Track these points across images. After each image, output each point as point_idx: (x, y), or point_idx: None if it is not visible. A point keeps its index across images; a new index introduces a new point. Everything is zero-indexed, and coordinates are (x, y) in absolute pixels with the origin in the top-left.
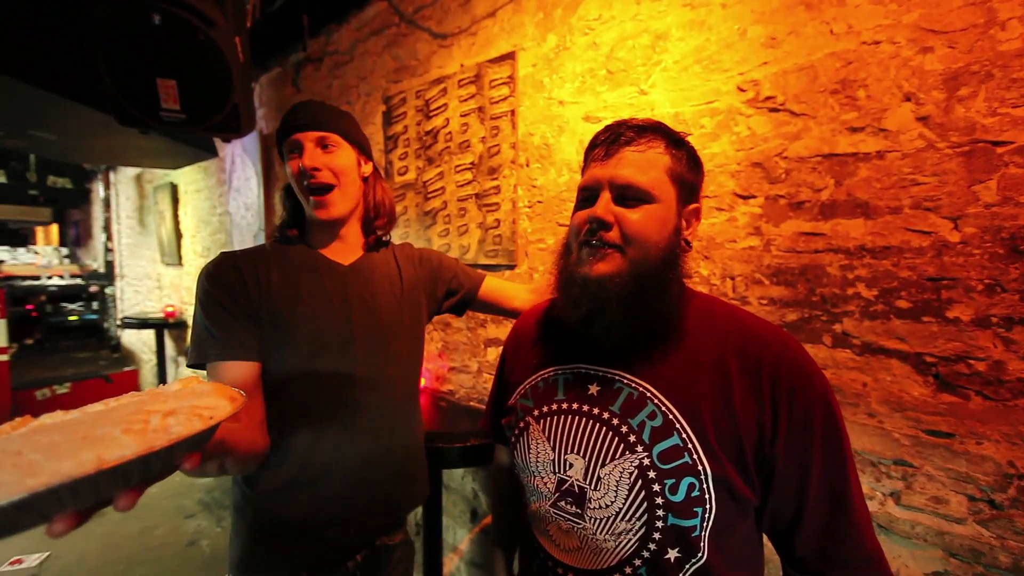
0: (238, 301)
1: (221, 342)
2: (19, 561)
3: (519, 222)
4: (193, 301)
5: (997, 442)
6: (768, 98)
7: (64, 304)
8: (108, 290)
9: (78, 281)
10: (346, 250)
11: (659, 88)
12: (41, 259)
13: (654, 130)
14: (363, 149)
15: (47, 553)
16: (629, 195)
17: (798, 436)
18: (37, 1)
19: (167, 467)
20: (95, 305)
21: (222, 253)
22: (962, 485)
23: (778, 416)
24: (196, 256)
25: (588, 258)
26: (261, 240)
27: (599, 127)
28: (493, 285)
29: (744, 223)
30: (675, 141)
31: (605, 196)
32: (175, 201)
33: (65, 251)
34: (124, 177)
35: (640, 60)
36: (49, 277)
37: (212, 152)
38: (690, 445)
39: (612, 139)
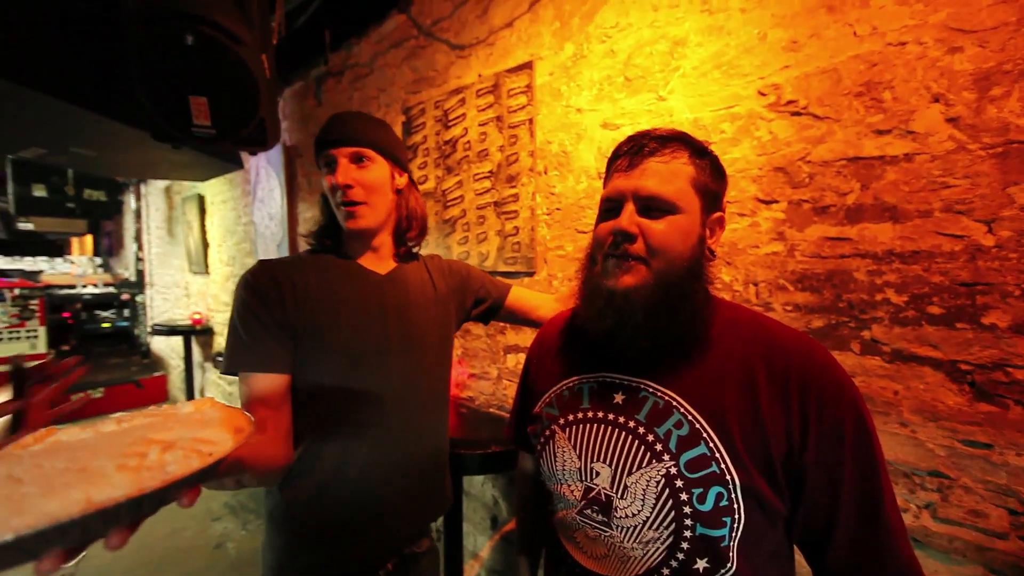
0: (273, 313)
1: (253, 353)
2: None
3: (538, 229)
4: (219, 308)
5: None
6: (790, 102)
7: (98, 312)
8: (139, 298)
9: (111, 289)
10: (380, 260)
11: (678, 94)
12: (77, 268)
13: (678, 140)
14: (397, 161)
15: (83, 554)
16: (653, 206)
17: (828, 446)
18: (78, 26)
19: (160, 504)
20: (126, 312)
21: (260, 262)
22: (1003, 498)
23: (807, 425)
24: (222, 265)
25: (613, 270)
26: (285, 248)
27: (617, 134)
28: (519, 295)
29: (767, 228)
30: (699, 151)
31: (629, 207)
32: (202, 211)
33: (99, 260)
34: (154, 189)
35: (658, 66)
36: (84, 286)
37: (238, 164)
38: (718, 455)
39: (635, 150)
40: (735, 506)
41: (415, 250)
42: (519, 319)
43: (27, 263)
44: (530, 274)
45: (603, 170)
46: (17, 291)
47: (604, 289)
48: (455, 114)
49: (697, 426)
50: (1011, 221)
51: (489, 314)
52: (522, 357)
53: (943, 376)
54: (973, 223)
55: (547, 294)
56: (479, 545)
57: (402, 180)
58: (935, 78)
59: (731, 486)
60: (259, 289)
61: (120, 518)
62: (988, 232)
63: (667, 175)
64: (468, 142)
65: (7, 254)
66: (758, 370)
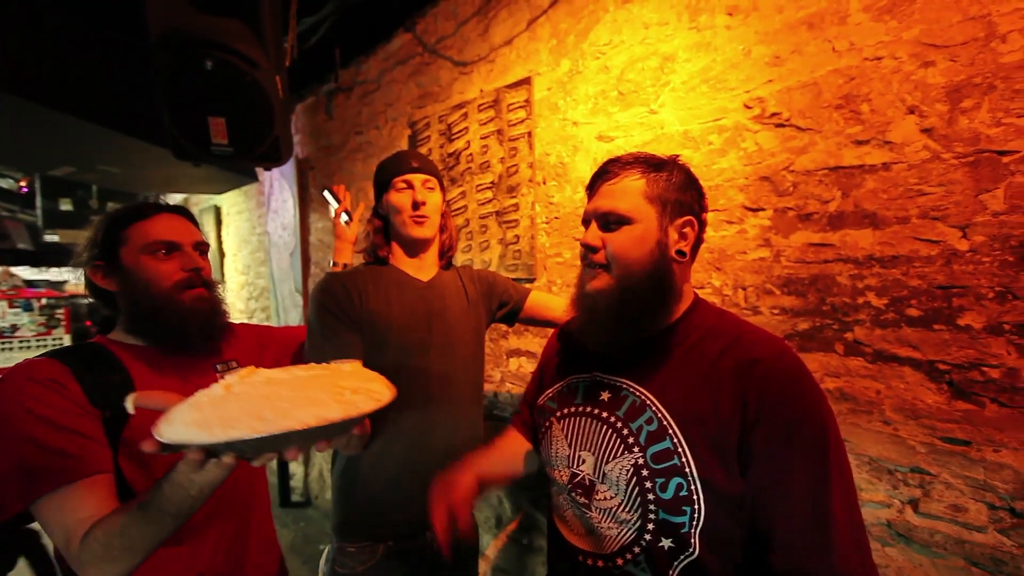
0: (345, 310)
1: (332, 344)
2: None
3: (537, 237)
4: (234, 316)
5: (1015, 449)
6: (774, 114)
7: None
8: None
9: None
10: (425, 269)
11: (668, 107)
12: None
13: (632, 162)
14: (444, 190)
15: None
16: (610, 220)
17: (778, 446)
18: (106, 53)
19: (348, 430)
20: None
21: (328, 274)
22: (981, 493)
23: (758, 422)
24: (237, 273)
25: (584, 277)
26: (297, 257)
27: (612, 146)
28: (536, 299)
29: (754, 235)
30: (655, 166)
31: (593, 225)
32: (218, 223)
33: None
34: (172, 201)
35: (649, 81)
36: None
37: (253, 177)
38: (680, 449)
39: (597, 176)
40: (694, 496)
41: (452, 261)
42: (537, 321)
43: (53, 274)
44: (530, 280)
45: None
46: (44, 301)
47: (579, 294)
48: (458, 128)
49: (665, 423)
50: (984, 227)
51: (511, 316)
52: (524, 361)
53: (922, 376)
54: (948, 229)
55: (562, 298)
56: (485, 544)
57: (444, 204)
58: (909, 91)
59: (690, 478)
60: (332, 292)
61: (332, 433)
62: (962, 237)
63: (618, 193)
64: (471, 154)
65: (34, 265)
66: (726, 374)
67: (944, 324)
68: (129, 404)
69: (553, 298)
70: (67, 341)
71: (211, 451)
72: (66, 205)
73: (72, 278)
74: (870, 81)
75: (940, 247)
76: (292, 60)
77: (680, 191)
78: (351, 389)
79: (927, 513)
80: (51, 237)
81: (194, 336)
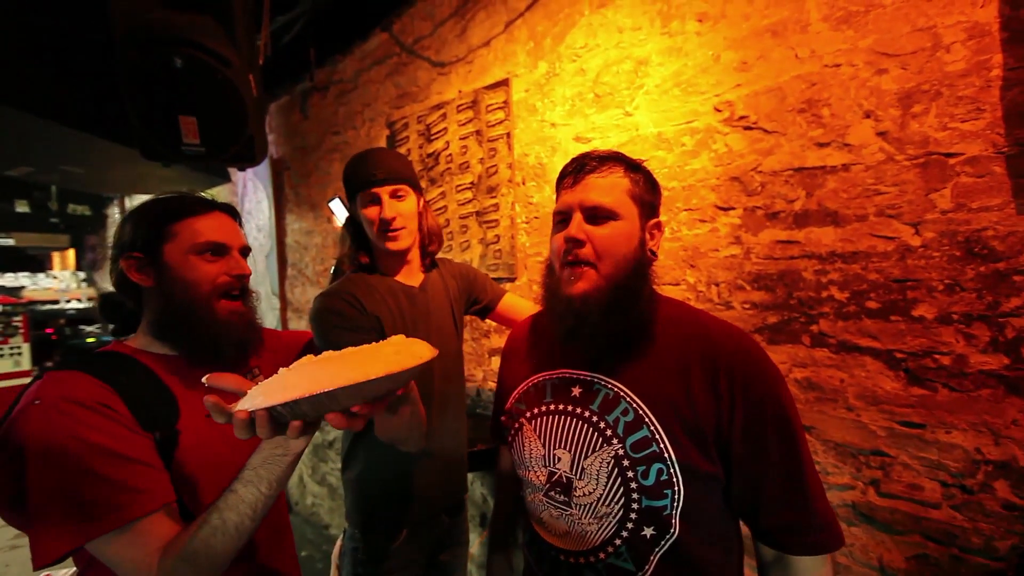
0: (358, 323)
1: None
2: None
3: (517, 237)
4: None
5: (964, 431)
6: (742, 117)
7: (82, 327)
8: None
9: (95, 304)
10: (411, 273)
11: (642, 110)
12: (60, 283)
13: (613, 159)
14: (418, 189)
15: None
16: (597, 215)
17: (753, 423)
18: (68, 48)
19: (396, 386)
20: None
21: (320, 295)
22: (935, 472)
23: (734, 405)
24: None
25: (569, 279)
26: (273, 259)
27: (589, 147)
28: (508, 301)
29: (725, 233)
30: (632, 167)
31: (577, 217)
32: None
33: (83, 275)
34: (139, 202)
35: (624, 84)
36: (67, 301)
37: (225, 178)
38: (657, 436)
39: (578, 169)
40: (674, 480)
41: (436, 259)
42: (505, 322)
43: (8, 279)
44: (511, 279)
45: None
46: (0, 308)
47: (563, 296)
48: (437, 128)
49: (640, 412)
50: (934, 224)
51: (484, 311)
52: None
53: (882, 364)
54: (902, 226)
55: (531, 302)
56: (470, 542)
57: (421, 203)
58: (866, 96)
59: (669, 462)
60: (338, 310)
61: (379, 390)
62: (915, 234)
63: (607, 187)
64: (450, 155)
65: None
66: (693, 361)
67: (900, 315)
68: (204, 379)
69: (523, 302)
70: (26, 350)
71: (277, 418)
72: (23, 207)
73: (30, 284)
74: (830, 87)
75: (895, 243)
76: (265, 58)
77: (651, 194)
78: (394, 351)
79: (887, 493)
80: (5, 241)
81: (229, 350)
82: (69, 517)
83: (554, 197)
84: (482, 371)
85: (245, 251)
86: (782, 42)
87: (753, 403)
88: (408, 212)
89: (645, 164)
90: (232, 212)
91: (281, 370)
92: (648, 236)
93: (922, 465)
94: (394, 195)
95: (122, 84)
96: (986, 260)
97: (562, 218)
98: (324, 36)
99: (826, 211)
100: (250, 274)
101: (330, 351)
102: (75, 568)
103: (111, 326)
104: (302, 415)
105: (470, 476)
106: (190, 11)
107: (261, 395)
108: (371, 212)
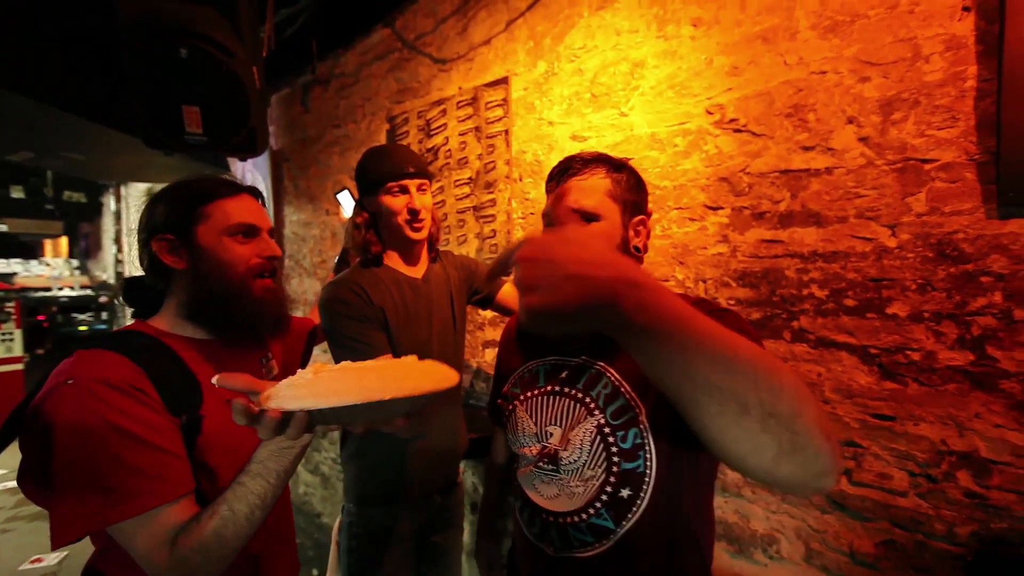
0: (365, 313)
1: (365, 345)
2: (39, 560)
3: (514, 232)
4: None
5: (931, 423)
6: (732, 120)
7: (74, 315)
8: (117, 300)
9: (88, 292)
10: (418, 264)
11: (637, 110)
12: (52, 271)
13: (596, 160)
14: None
15: (66, 552)
16: (581, 216)
17: None
18: (73, 36)
19: (420, 406)
20: (104, 316)
21: (331, 284)
22: (903, 462)
23: None
24: None
25: None
26: None
27: (584, 145)
28: (508, 292)
29: (713, 232)
30: (616, 167)
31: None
32: None
33: (75, 263)
34: (135, 191)
35: (620, 85)
36: (60, 288)
37: (224, 168)
38: (633, 403)
39: (561, 173)
40: (647, 442)
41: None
42: (506, 311)
43: (1, 265)
44: (507, 273)
45: None
46: None
47: None
48: (437, 124)
49: (618, 384)
50: (909, 226)
51: (483, 303)
52: None
53: (857, 359)
54: (880, 228)
55: None
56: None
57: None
58: (849, 103)
59: (643, 426)
60: (346, 300)
61: (418, 404)
62: (891, 235)
63: (587, 190)
64: (449, 150)
65: None
66: None
67: (875, 313)
68: (215, 380)
69: None
70: (18, 336)
71: (316, 418)
72: (18, 192)
73: (22, 270)
74: (816, 93)
75: (873, 244)
76: (269, 51)
77: (635, 192)
78: (426, 370)
79: (859, 482)
80: None
81: (266, 328)
82: (91, 500)
83: None
84: (476, 362)
85: (272, 232)
86: (772, 48)
87: None
88: (429, 204)
89: (630, 163)
90: (258, 194)
91: (306, 371)
92: (632, 233)
93: (892, 456)
94: (420, 188)
95: (127, 73)
96: (956, 262)
97: (546, 221)
98: (326, 30)
99: (809, 212)
100: (281, 255)
101: (367, 362)
102: (67, 552)
103: (131, 309)
104: (336, 420)
105: (462, 464)
106: (196, 3)
107: (294, 394)
108: (399, 202)
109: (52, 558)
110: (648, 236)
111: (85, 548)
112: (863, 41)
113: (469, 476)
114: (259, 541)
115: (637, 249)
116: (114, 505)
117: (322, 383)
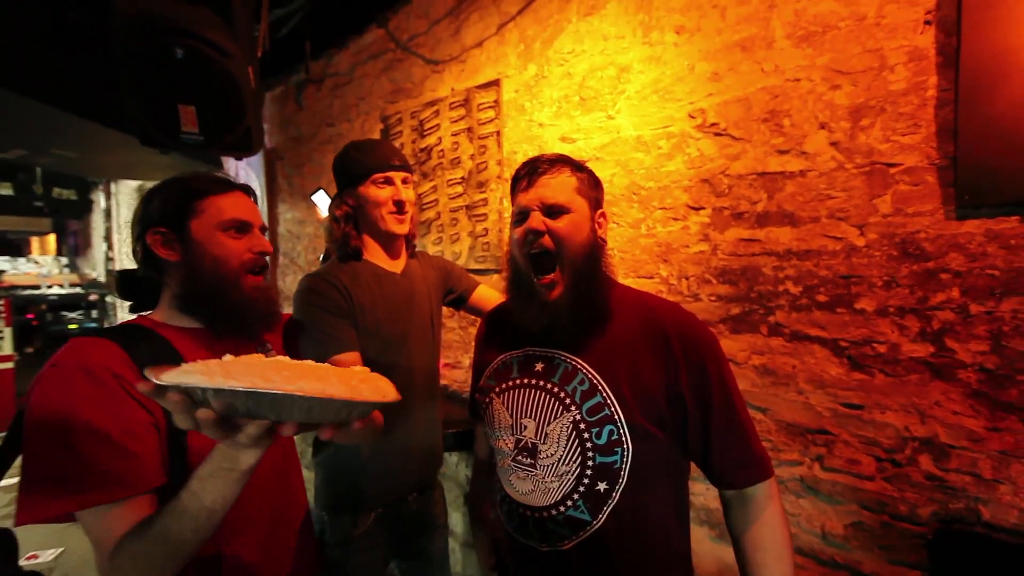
0: (339, 306)
1: (334, 339)
2: (35, 556)
3: (505, 230)
4: None
5: (896, 411)
6: (713, 124)
7: (64, 313)
8: (108, 298)
9: (77, 290)
10: (398, 259)
11: (624, 114)
12: (41, 268)
13: (561, 161)
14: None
15: (62, 549)
16: (553, 210)
17: (696, 376)
18: (65, 32)
19: (352, 416)
20: (94, 314)
21: (306, 276)
22: (870, 448)
23: (679, 365)
24: None
25: (541, 291)
26: None
27: (573, 147)
28: (481, 292)
29: (695, 231)
30: (577, 167)
31: (535, 213)
32: None
33: (65, 260)
34: (125, 188)
35: (608, 89)
36: (49, 286)
37: (218, 165)
38: (609, 401)
39: (532, 171)
40: (623, 439)
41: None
42: (478, 312)
43: None
44: (499, 271)
45: None
46: None
47: (539, 301)
48: (430, 124)
49: (594, 381)
50: (876, 226)
51: (457, 303)
52: None
53: (828, 352)
54: (849, 228)
55: (500, 294)
56: (454, 521)
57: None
58: (821, 109)
59: (619, 423)
60: (321, 292)
61: (339, 413)
62: (860, 235)
63: (558, 186)
64: (442, 150)
65: None
66: (639, 334)
67: (845, 308)
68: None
69: (494, 293)
70: (8, 334)
71: (199, 400)
72: (6, 189)
73: (10, 268)
74: (790, 99)
75: (843, 243)
76: (263, 50)
77: (596, 189)
78: (359, 379)
79: (830, 467)
80: None
81: (255, 324)
82: (46, 487)
83: None
84: (468, 358)
85: (263, 229)
86: (750, 56)
87: (695, 361)
88: (413, 198)
89: (587, 164)
90: (251, 192)
91: (227, 357)
92: (596, 225)
93: (860, 442)
94: (404, 182)
95: (123, 72)
96: (918, 260)
97: (522, 215)
98: (320, 30)
99: (784, 213)
100: (272, 251)
101: (303, 361)
102: (62, 549)
103: (128, 303)
104: (235, 410)
105: (454, 457)
106: (191, 2)
107: (202, 369)
108: (384, 193)
109: (48, 555)
110: (606, 228)
111: (81, 545)
112: (834, 51)
113: (462, 469)
114: (255, 552)
115: (602, 239)
116: (64, 496)
117: (224, 368)
